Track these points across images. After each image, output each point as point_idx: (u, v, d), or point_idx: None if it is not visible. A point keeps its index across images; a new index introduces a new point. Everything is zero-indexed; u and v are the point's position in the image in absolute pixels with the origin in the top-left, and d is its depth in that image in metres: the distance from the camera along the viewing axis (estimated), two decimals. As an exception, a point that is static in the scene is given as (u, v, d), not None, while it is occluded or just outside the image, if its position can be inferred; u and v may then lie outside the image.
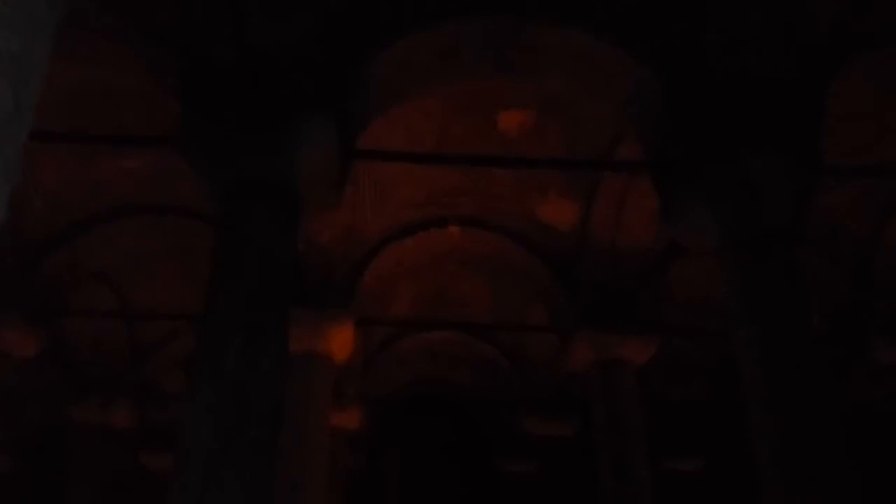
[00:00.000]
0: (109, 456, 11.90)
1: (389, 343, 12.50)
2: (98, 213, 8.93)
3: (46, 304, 8.90)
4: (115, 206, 8.93)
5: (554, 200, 8.58)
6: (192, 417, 4.02)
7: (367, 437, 15.42)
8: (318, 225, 8.21)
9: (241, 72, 4.70)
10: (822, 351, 4.48)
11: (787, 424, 4.26)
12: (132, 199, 8.92)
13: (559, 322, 9.27)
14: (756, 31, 4.74)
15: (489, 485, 16.70)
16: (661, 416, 14.93)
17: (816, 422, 4.26)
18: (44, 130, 5.45)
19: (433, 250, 10.27)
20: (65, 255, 9.02)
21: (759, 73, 4.89)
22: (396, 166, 8.32)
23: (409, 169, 8.39)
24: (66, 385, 11.62)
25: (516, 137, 7.77)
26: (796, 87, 4.72)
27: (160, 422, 14.39)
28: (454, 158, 5.35)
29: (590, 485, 16.51)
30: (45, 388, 13.32)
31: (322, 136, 4.72)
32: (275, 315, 4.40)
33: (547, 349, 12.04)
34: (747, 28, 4.75)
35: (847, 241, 8.86)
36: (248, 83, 4.69)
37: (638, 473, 7.87)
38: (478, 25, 5.19)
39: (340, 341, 8.12)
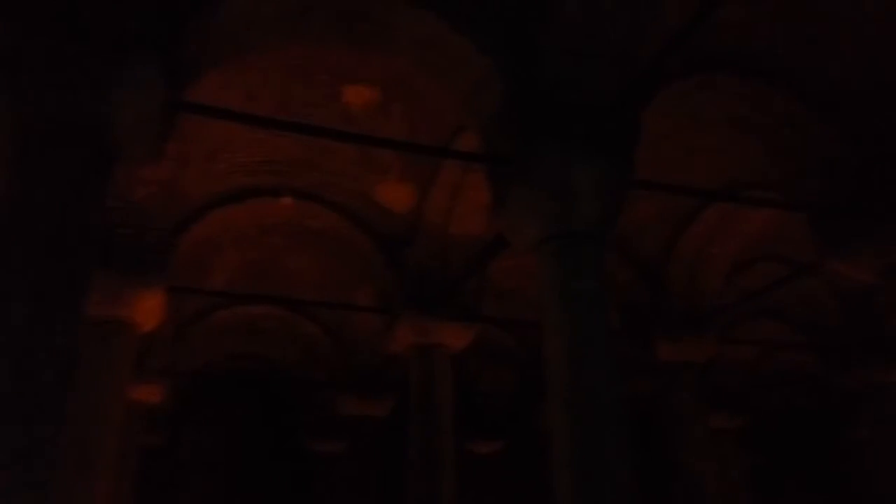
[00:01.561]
0: None
1: (206, 314, 11.81)
2: None
3: None
4: None
5: (392, 183, 8.61)
6: (-44, 383, 3.47)
7: (172, 412, 14.47)
8: (133, 180, 7.49)
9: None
10: (614, 345, 4.96)
11: (578, 410, 4.66)
12: None
13: (385, 304, 9.34)
14: (594, 41, 5.09)
15: (299, 464, 16.48)
16: (468, 400, 15.69)
17: (603, 409, 4.70)
18: None
19: (262, 221, 9.84)
20: None
21: (590, 83, 5.26)
22: (231, 128, 7.83)
23: (245, 132, 7.93)
24: None
25: (360, 114, 7.66)
26: (620, 102, 5.13)
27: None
28: (293, 126, 5.13)
29: (397, 465, 16.94)
30: None
31: (146, 80, 4.28)
32: (70, 276, 3.93)
33: (369, 330, 12.10)
34: (586, 36, 5.08)
35: (646, 249, 9.89)
36: (66, 10, 4.12)
37: (444, 456, 8.19)
38: (331, -9, 5.01)
39: (147, 309, 7.50)
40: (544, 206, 5.18)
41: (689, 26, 4.24)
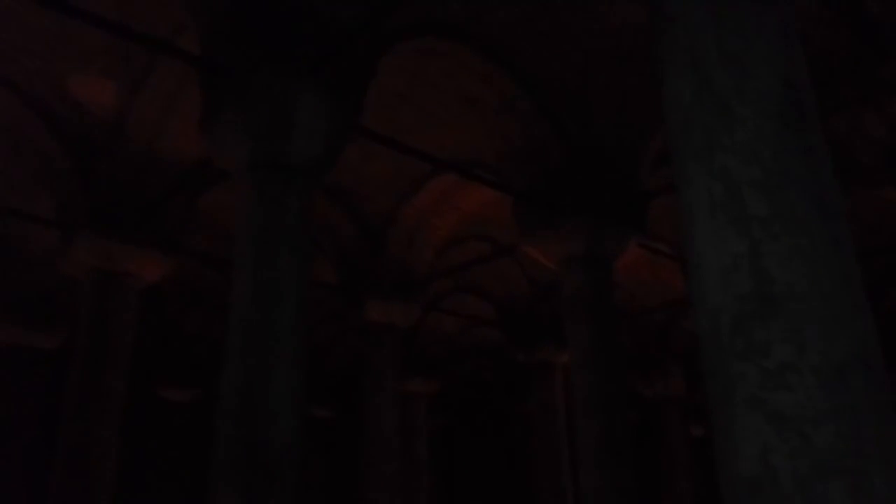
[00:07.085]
0: None
1: None
2: None
3: None
4: None
5: (94, 77, 7.24)
6: None
7: None
8: None
9: None
10: (305, 294, 4.66)
11: (252, 359, 4.29)
12: None
13: (66, 217, 7.92)
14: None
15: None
16: (166, 342, 14.42)
17: (279, 364, 4.39)
18: None
19: None
20: None
21: (326, 12, 4.85)
22: None
23: None
24: None
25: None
26: (354, 40, 4.82)
27: None
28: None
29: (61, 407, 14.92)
30: None
31: None
32: None
33: (45, 247, 10.29)
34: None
35: (373, 209, 9.85)
36: None
37: (112, 400, 7.21)
38: None
39: None
40: (257, 129, 4.66)
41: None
